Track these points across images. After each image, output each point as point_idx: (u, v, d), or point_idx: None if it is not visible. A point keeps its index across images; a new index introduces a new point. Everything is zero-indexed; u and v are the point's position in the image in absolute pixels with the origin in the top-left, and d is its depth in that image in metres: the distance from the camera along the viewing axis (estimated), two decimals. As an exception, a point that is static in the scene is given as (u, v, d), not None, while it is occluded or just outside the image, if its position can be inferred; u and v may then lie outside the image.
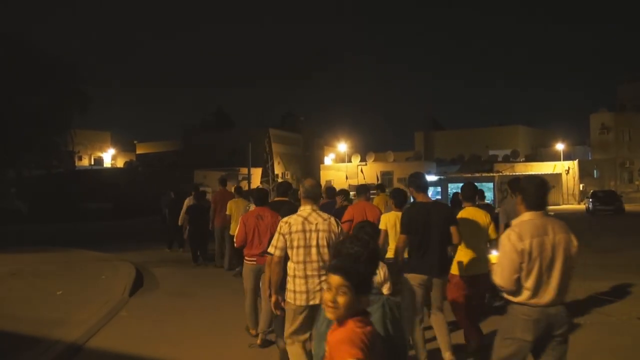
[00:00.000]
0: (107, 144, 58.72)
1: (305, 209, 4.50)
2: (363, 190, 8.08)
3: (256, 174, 44.48)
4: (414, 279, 5.09)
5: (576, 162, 46.87)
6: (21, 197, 30.58)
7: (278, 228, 4.47)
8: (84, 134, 41.34)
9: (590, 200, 31.83)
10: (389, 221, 6.20)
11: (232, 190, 12.99)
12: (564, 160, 47.57)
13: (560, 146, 49.68)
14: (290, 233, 4.34)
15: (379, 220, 6.29)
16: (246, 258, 6.36)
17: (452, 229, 5.08)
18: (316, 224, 4.37)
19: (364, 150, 56.89)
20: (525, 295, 3.42)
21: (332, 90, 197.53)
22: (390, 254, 5.90)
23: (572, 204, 43.59)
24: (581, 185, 45.70)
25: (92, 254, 13.70)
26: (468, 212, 5.74)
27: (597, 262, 11.58)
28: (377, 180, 43.78)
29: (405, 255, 5.25)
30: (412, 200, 5.77)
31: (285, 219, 4.50)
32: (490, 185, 44.14)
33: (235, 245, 6.73)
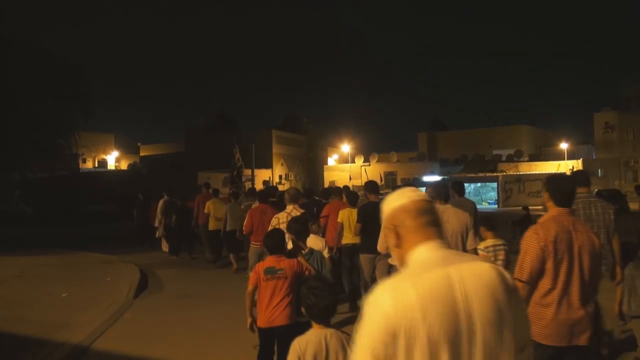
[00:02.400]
0: (111, 146, 58.83)
1: (289, 207, 6.63)
2: (337, 192, 9.47)
3: (260, 175, 44.51)
4: (365, 258, 7.03)
5: (580, 161, 46.76)
6: (26, 199, 30.67)
7: (272, 221, 6.49)
8: (88, 136, 41.41)
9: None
10: (344, 216, 7.69)
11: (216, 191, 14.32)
12: (567, 159, 47.47)
13: (564, 145, 49.56)
14: (279, 224, 6.13)
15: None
16: (252, 242, 8.28)
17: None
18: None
19: (367, 150, 56.96)
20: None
21: (335, 91, 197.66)
22: (346, 240, 7.74)
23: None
24: (585, 185, 45.58)
25: (96, 256, 13.73)
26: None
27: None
28: (381, 180, 43.77)
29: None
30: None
31: (276, 215, 6.65)
32: (494, 185, 44.20)
33: (243, 232, 8.75)
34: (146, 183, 26.97)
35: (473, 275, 1.59)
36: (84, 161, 49.25)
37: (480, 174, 46.02)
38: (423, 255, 1.68)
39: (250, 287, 4.37)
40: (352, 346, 1.61)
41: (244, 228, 8.59)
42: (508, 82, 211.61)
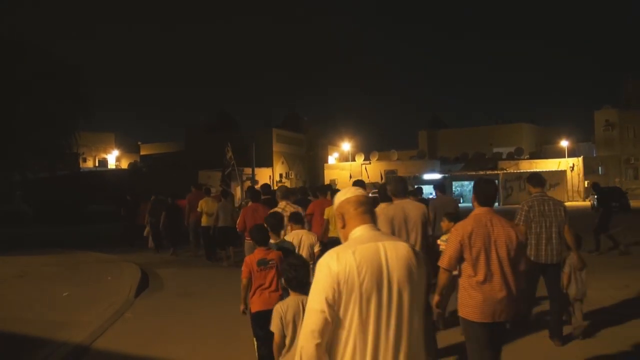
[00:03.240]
0: (112, 145, 58.82)
1: (282, 204, 7.57)
2: (323, 189, 9.88)
3: (260, 174, 44.53)
4: None
5: (581, 158, 46.70)
6: (27, 199, 30.73)
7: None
8: (89, 135, 41.43)
9: (596, 197, 31.65)
10: (330, 213, 7.92)
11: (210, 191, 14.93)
12: (568, 157, 47.41)
13: (564, 143, 49.47)
14: None
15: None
16: (247, 239, 8.36)
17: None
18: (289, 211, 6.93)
19: (367, 149, 56.86)
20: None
21: (335, 89, 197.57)
22: (332, 233, 8.09)
23: (577, 200, 43.45)
24: (586, 182, 45.51)
25: (97, 255, 13.77)
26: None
27: (603, 260, 11.56)
28: (381, 179, 43.76)
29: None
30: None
31: (271, 210, 6.88)
32: (495, 182, 44.15)
33: (237, 230, 9.29)
34: (146, 182, 27.03)
35: (394, 248, 2.31)
36: (85, 160, 49.31)
37: (481, 172, 45.97)
38: (360, 233, 2.39)
39: (244, 281, 4.84)
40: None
41: (237, 226, 9.14)
42: (508, 81, 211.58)
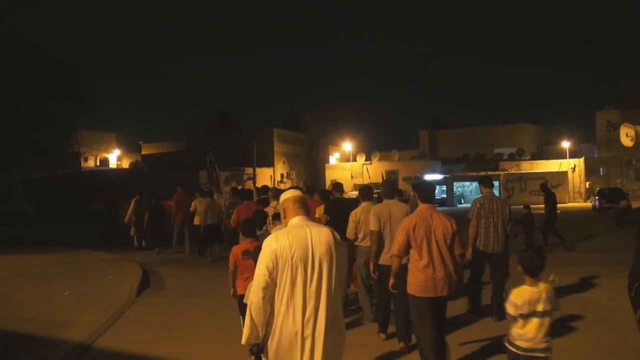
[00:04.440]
0: (113, 144, 58.81)
1: (273, 203, 8.64)
2: (312, 190, 10.68)
3: (261, 174, 44.51)
4: None
5: (582, 159, 46.61)
6: (28, 198, 30.71)
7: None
8: (90, 135, 41.40)
9: (597, 198, 31.63)
10: (320, 211, 8.48)
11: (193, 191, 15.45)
12: (570, 158, 47.32)
13: (566, 144, 49.39)
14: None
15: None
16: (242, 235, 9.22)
17: (351, 215, 7.18)
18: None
19: (368, 149, 56.81)
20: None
21: (336, 89, 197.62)
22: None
23: (579, 201, 43.38)
24: (587, 183, 45.45)
25: (98, 254, 13.77)
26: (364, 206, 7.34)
27: (604, 260, 11.55)
28: (382, 179, 43.72)
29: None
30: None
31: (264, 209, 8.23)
32: (496, 183, 44.09)
33: (232, 226, 10.16)
34: (148, 181, 27.01)
35: (317, 233, 3.33)
36: (86, 160, 49.26)
37: (482, 173, 45.89)
38: (295, 222, 3.40)
39: (231, 268, 5.55)
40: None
41: (232, 222, 10.06)
42: (509, 81, 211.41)
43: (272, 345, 3.20)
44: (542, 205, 14.38)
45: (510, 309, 3.94)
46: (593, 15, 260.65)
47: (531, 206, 14.70)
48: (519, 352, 3.93)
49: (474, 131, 63.64)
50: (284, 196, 3.59)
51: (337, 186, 9.19)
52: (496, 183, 43.76)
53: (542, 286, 3.97)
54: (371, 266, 6.05)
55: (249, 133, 49.73)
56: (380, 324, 6.37)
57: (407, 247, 4.89)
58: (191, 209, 13.68)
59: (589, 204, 36.91)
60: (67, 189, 31.58)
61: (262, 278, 3.15)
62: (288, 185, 48.17)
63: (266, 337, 3.21)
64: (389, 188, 6.97)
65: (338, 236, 3.42)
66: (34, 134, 21.02)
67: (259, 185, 36.16)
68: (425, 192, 5.15)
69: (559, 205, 15.15)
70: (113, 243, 15.60)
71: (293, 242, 3.21)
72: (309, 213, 3.54)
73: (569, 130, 52.49)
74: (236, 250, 5.50)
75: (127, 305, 8.17)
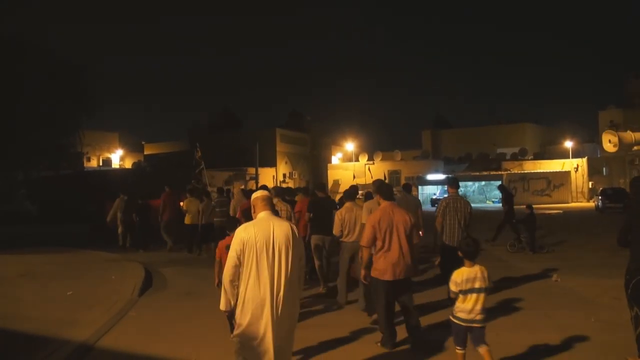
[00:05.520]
0: (115, 144, 58.84)
1: (274, 200, 7.99)
2: (305, 190, 11.23)
3: (263, 174, 44.52)
4: (314, 237, 8.96)
5: (585, 159, 46.49)
6: (31, 198, 30.70)
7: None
8: (92, 135, 41.49)
9: (600, 197, 31.53)
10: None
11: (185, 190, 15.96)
12: (572, 157, 47.20)
13: (569, 144, 49.24)
14: None
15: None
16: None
17: (337, 214, 8.11)
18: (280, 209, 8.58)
19: (371, 149, 56.85)
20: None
21: (339, 89, 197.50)
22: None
23: (582, 201, 43.26)
24: (590, 183, 45.33)
25: (101, 254, 13.77)
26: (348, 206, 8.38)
27: (607, 260, 11.52)
28: (385, 179, 43.70)
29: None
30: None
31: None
32: (499, 183, 44.00)
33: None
34: (150, 181, 27.00)
35: (279, 225, 4.20)
36: (88, 160, 49.32)
37: (485, 172, 45.88)
38: (261, 216, 4.28)
39: (217, 259, 6.04)
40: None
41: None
42: (511, 81, 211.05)
43: (241, 310, 4.11)
44: (545, 206, 14.44)
45: (452, 287, 4.76)
46: (594, 15, 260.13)
47: (534, 206, 14.69)
48: (460, 324, 4.73)
49: (476, 131, 63.60)
50: (254, 195, 4.51)
51: (320, 186, 10.20)
52: (499, 183, 43.75)
53: (477, 267, 4.77)
54: (362, 273, 6.08)
55: (251, 133, 49.77)
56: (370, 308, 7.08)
57: (374, 239, 5.77)
58: (184, 207, 14.32)
59: (591, 204, 36.79)
60: (69, 189, 31.60)
61: (232, 260, 4.13)
62: (290, 185, 48.17)
63: (236, 305, 4.16)
64: (352, 190, 8.59)
65: (296, 230, 4.32)
66: (36, 134, 21.02)
67: (258, 184, 36.32)
68: (387, 192, 6.19)
69: (561, 205, 15.29)
70: (97, 242, 15.82)
71: (258, 232, 4.14)
72: (274, 209, 4.53)
73: (572, 130, 52.34)
74: (222, 245, 5.98)
75: (129, 305, 8.17)
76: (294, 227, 4.27)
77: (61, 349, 5.86)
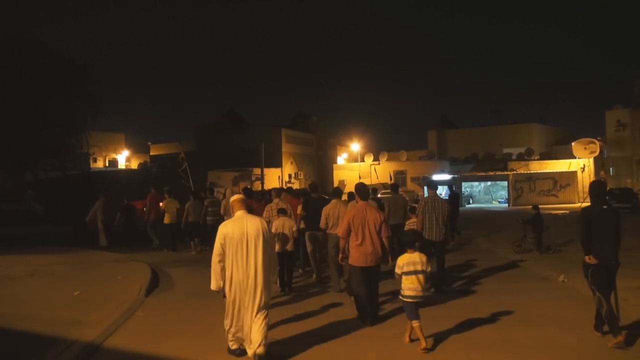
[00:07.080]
0: (122, 145, 59.11)
1: (275, 200, 10.34)
2: (302, 192, 12.54)
3: (269, 174, 44.54)
4: (308, 234, 10.12)
5: (592, 159, 46.26)
6: (38, 199, 30.86)
7: (265, 211, 10.08)
8: (99, 136, 41.58)
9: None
10: (299, 207, 10.59)
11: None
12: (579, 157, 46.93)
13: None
14: (270, 211, 9.98)
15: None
16: None
17: (323, 210, 9.20)
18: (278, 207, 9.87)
19: (376, 149, 56.76)
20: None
21: (345, 90, 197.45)
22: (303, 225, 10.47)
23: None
24: (596, 183, 44.93)
25: (107, 254, 13.83)
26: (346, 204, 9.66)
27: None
28: (390, 179, 43.62)
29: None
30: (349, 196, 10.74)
31: (267, 205, 10.31)
32: (505, 183, 43.90)
33: None
34: (156, 182, 27.03)
35: (252, 221, 5.62)
36: (95, 160, 49.53)
37: (491, 173, 45.67)
38: (238, 214, 5.70)
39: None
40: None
41: None
42: (517, 81, 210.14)
43: (229, 287, 5.50)
44: (552, 206, 14.37)
45: (397, 269, 6.00)
46: (598, 15, 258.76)
47: (540, 206, 14.63)
48: (407, 300, 5.87)
49: (482, 131, 63.31)
50: (232, 198, 5.92)
51: (313, 187, 11.43)
52: (505, 183, 43.62)
53: (416, 254, 6.01)
54: (340, 256, 7.57)
55: (257, 133, 49.78)
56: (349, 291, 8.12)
57: (349, 231, 7.01)
58: (163, 207, 15.21)
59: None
60: (76, 189, 31.72)
61: (217, 250, 5.48)
62: (296, 185, 48.21)
63: (224, 284, 5.52)
64: (338, 190, 10.06)
65: (266, 225, 5.65)
66: (43, 135, 21.11)
67: (264, 185, 36.38)
68: (364, 194, 7.41)
69: (567, 205, 15.19)
70: (80, 242, 16.15)
71: (235, 227, 5.51)
72: (249, 209, 5.90)
73: (578, 130, 52.09)
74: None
75: (136, 305, 8.20)
76: (264, 223, 5.66)
77: (68, 349, 5.88)
